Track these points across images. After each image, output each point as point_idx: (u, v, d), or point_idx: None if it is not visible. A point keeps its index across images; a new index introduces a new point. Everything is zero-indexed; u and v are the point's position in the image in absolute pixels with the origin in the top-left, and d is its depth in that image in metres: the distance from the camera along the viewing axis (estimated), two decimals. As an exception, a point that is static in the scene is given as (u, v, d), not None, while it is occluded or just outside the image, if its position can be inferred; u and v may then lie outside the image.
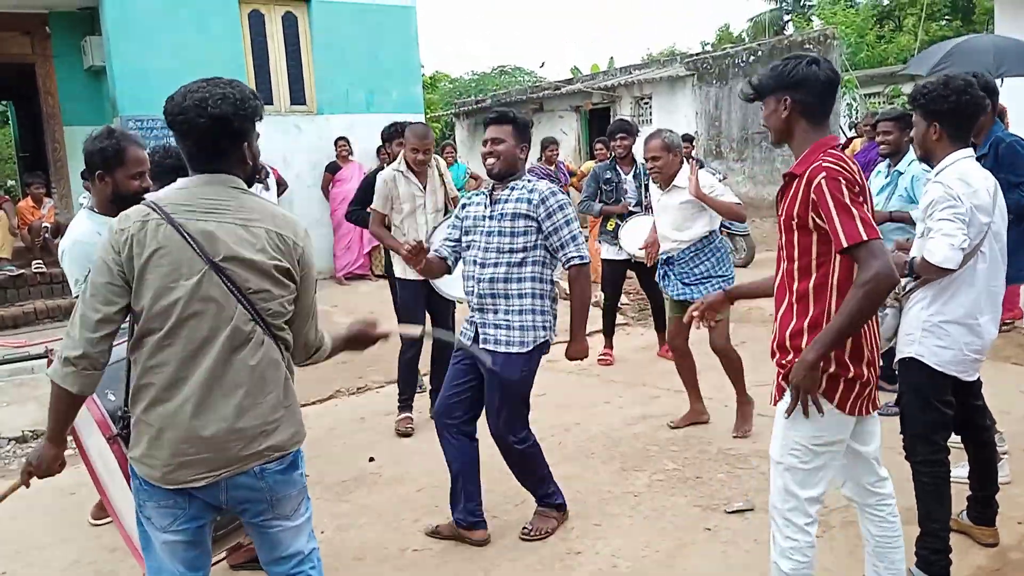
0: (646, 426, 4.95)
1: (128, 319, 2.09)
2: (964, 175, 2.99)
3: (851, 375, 2.44)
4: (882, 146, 4.87)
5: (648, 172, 4.97)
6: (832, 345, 2.36)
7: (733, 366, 4.81)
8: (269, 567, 2.32)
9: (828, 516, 3.66)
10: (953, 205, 2.91)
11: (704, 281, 4.70)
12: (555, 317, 3.60)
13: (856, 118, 16.69)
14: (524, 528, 3.70)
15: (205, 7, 9.77)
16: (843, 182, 2.31)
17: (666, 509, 3.84)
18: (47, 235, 8.80)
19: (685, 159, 4.91)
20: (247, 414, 2.09)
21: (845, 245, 2.28)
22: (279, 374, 2.17)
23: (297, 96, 10.80)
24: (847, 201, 2.29)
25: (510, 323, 3.48)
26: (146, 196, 2.23)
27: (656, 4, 66.24)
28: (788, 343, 2.51)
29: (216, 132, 2.09)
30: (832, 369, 2.43)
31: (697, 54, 19.36)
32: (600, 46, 53.41)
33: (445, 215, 5.08)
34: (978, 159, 3.56)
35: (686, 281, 4.75)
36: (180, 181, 2.15)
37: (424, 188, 5.02)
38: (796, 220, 2.41)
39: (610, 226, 6.37)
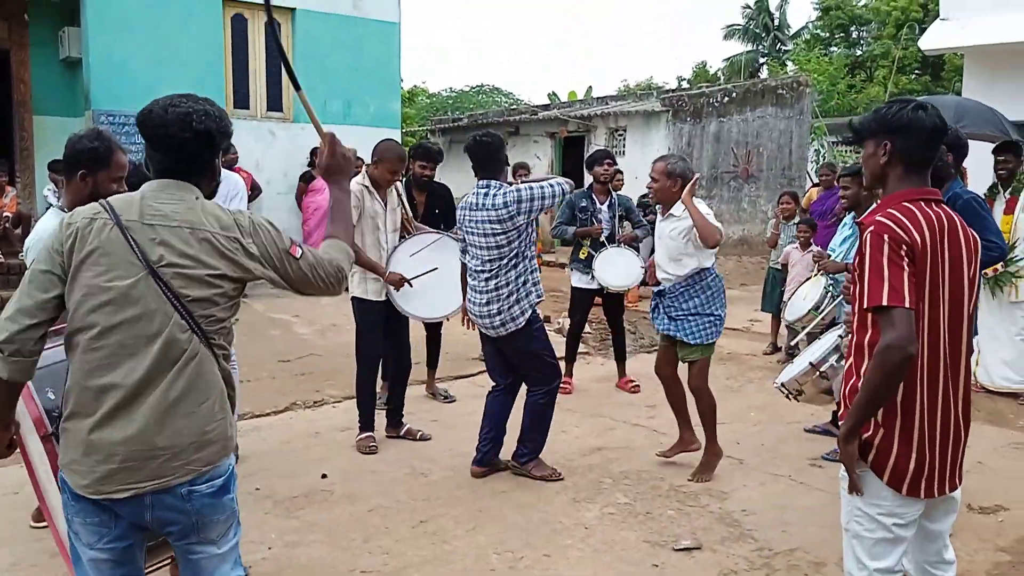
0: (600, 458, 4.98)
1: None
2: None
3: (896, 452, 2.30)
4: (842, 199, 5.01)
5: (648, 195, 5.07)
6: (860, 417, 2.27)
7: (707, 408, 4.75)
8: None
9: (772, 559, 3.71)
10: None
11: (692, 317, 4.60)
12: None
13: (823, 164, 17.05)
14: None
15: (189, 6, 9.73)
16: (886, 240, 2.20)
17: (615, 543, 3.87)
18: (8, 225, 8.63)
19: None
20: (177, 425, 2.06)
21: (865, 306, 2.21)
22: (213, 386, 2.13)
23: (274, 102, 10.77)
24: (883, 261, 2.18)
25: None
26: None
27: (636, 36, 67.16)
28: (847, 399, 2.39)
29: (196, 147, 2.14)
30: (878, 442, 2.30)
31: (673, 90, 19.70)
32: (579, 73, 54.06)
33: (402, 237, 5.09)
34: None
35: (673, 315, 4.65)
36: (142, 187, 2.17)
37: (386, 206, 5.01)
38: (856, 271, 2.31)
39: (583, 254, 6.41)
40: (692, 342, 4.57)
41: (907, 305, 2.15)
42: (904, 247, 2.20)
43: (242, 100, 10.53)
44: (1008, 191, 6.17)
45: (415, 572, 3.57)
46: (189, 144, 2.12)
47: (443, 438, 5.24)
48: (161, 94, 2.20)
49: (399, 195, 5.16)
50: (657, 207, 4.94)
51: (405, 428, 5.26)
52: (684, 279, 4.62)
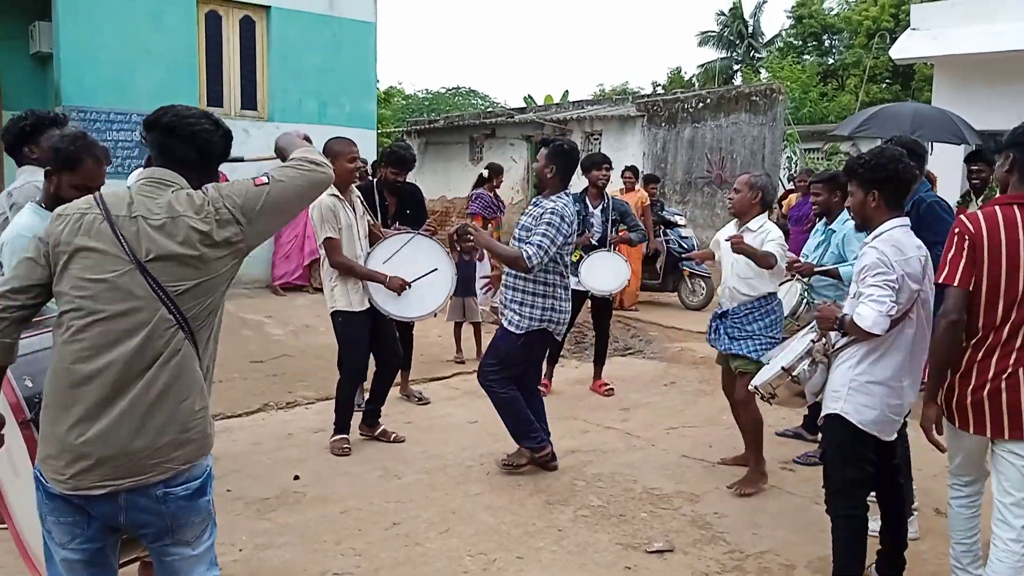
0: (575, 460, 4.99)
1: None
2: (898, 243, 3.12)
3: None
4: (814, 206, 5.11)
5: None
6: (933, 380, 3.03)
7: (751, 421, 4.63)
8: None
9: (743, 562, 3.74)
10: (884, 272, 3.03)
11: (755, 337, 4.51)
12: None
13: (794, 171, 17.25)
14: (504, 456, 4.73)
15: (162, 3, 9.64)
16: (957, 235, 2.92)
17: (588, 545, 3.87)
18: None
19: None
20: (157, 422, 2.05)
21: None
22: (194, 384, 2.12)
23: (248, 101, 10.68)
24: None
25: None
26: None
27: (612, 40, 67.47)
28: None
29: (216, 149, 2.26)
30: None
31: (648, 95, 19.81)
32: (555, 77, 54.18)
33: (372, 244, 5.04)
34: None
35: (734, 336, 4.57)
36: (132, 178, 2.17)
37: (355, 212, 4.94)
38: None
39: (574, 257, 6.36)
40: (755, 358, 4.42)
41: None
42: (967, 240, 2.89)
43: (215, 98, 10.43)
44: (980, 199, 6.27)
45: (387, 574, 3.54)
46: (219, 142, 2.25)
47: (417, 440, 5.22)
48: (133, 90, 2.23)
49: (361, 202, 5.11)
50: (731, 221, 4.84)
51: (380, 429, 5.23)
52: (752, 302, 4.53)
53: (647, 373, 7.27)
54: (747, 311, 4.54)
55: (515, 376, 4.68)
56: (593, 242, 6.33)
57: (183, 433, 2.09)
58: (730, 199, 4.78)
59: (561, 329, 4.70)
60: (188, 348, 2.09)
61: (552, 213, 4.43)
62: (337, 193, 4.79)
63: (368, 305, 4.89)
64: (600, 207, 6.40)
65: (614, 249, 6.47)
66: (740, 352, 4.52)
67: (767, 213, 4.70)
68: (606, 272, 6.28)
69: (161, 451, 2.06)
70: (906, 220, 3.25)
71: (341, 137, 4.91)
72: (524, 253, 4.39)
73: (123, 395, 2.02)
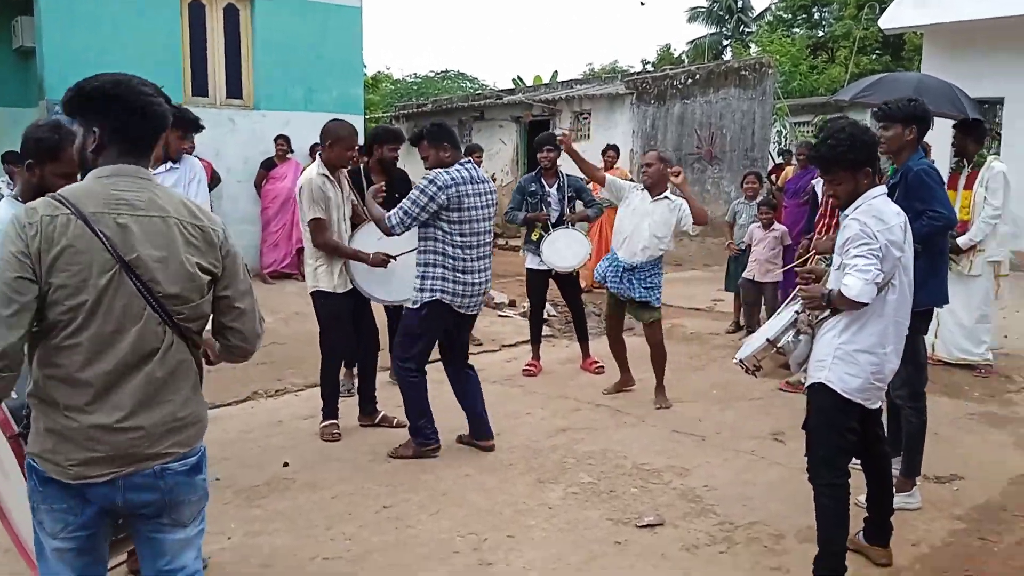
0: (565, 438, 4.99)
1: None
2: (879, 212, 3.12)
3: None
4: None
5: (642, 178, 5.58)
6: None
7: (663, 357, 5.71)
8: None
9: (733, 533, 3.75)
10: (868, 242, 3.03)
11: (657, 288, 5.55)
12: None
13: (785, 145, 17.21)
14: (394, 449, 4.71)
15: (144, -6, 9.52)
16: None
17: (579, 522, 3.88)
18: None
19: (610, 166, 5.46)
20: (155, 413, 2.06)
21: None
22: (189, 373, 2.15)
23: (234, 89, 10.58)
24: None
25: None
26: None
27: (600, 20, 67.12)
28: None
29: (155, 122, 2.11)
30: None
31: (637, 73, 19.70)
32: (544, 57, 53.89)
33: (354, 227, 5.01)
34: (891, 186, 3.72)
35: (645, 286, 5.49)
36: (90, 176, 2.09)
37: (342, 193, 4.93)
38: None
39: (535, 236, 6.45)
40: (657, 306, 5.57)
41: None
42: None
43: (200, 87, 10.34)
44: (971, 166, 6.27)
45: (378, 557, 3.55)
46: (147, 118, 2.08)
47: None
48: (118, 83, 2.12)
49: (349, 183, 5.09)
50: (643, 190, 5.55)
51: (380, 415, 5.23)
52: (658, 259, 5.51)
53: (637, 350, 7.21)
54: (653, 265, 5.51)
55: (424, 352, 4.67)
56: (552, 220, 6.42)
57: (182, 420, 2.11)
58: (644, 173, 5.50)
59: (466, 303, 4.60)
60: (179, 344, 2.09)
61: (427, 181, 4.43)
62: (327, 173, 4.79)
63: (350, 287, 4.88)
64: (555, 185, 6.50)
65: (573, 226, 6.54)
66: (651, 302, 5.51)
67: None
68: (567, 249, 6.37)
69: (162, 439, 2.07)
70: (884, 188, 3.25)
71: (345, 122, 4.91)
72: (387, 215, 4.49)
73: (122, 389, 2.02)
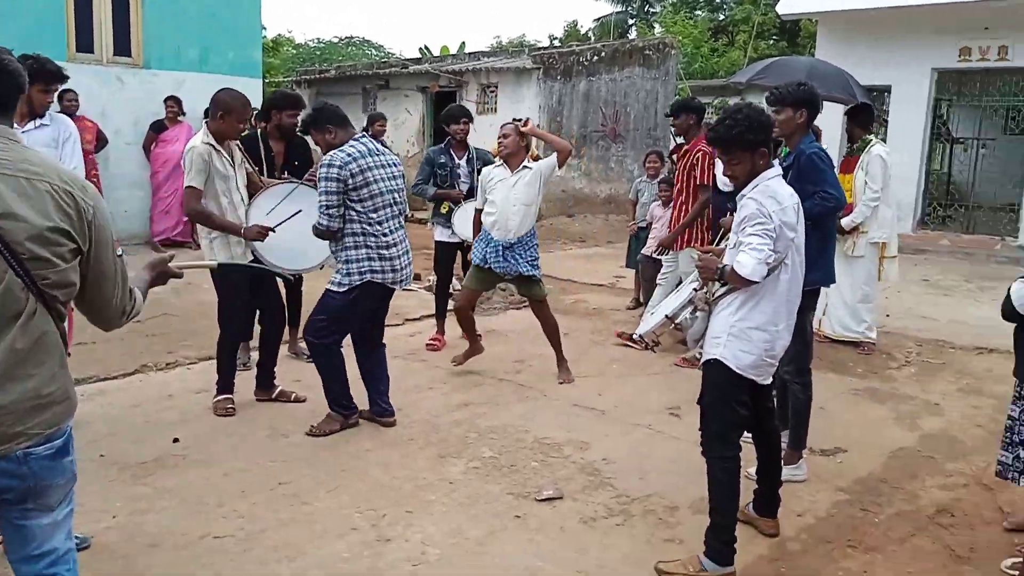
0: (468, 413, 4.98)
1: None
2: (775, 193, 3.21)
3: None
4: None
5: (499, 150, 5.50)
6: None
7: (555, 328, 5.72)
8: (18, 565, 2.10)
9: (629, 505, 3.83)
10: (763, 222, 3.11)
11: (536, 261, 5.54)
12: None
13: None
14: (311, 426, 4.56)
15: (22, -61, 8.86)
16: None
17: (479, 497, 3.89)
18: None
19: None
20: (17, 388, 1.92)
21: None
22: (54, 347, 2.01)
23: (122, 47, 10.04)
24: None
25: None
26: None
27: (510, -7, 66.71)
28: None
29: (8, 79, 1.98)
30: None
31: (544, 48, 19.70)
32: (451, 28, 53.18)
33: (252, 195, 4.83)
34: (784, 169, 3.83)
35: (528, 260, 5.49)
36: None
37: (234, 162, 4.72)
38: None
39: (443, 209, 6.41)
40: (539, 278, 5.59)
41: None
42: None
43: (86, 44, 9.75)
44: (855, 150, 6.52)
45: (272, 535, 3.46)
46: (18, 70, 2.00)
47: (307, 398, 5.09)
48: (-5, 35, 1.99)
49: (240, 150, 4.88)
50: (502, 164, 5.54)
51: (278, 390, 5.08)
52: (530, 231, 5.49)
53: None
54: (531, 237, 5.53)
55: (348, 332, 4.65)
56: (464, 193, 6.40)
57: (47, 397, 1.97)
58: (500, 144, 5.47)
59: (397, 277, 4.57)
60: (43, 313, 1.96)
61: (324, 166, 4.35)
62: (212, 142, 4.57)
63: (250, 258, 4.71)
64: (465, 158, 6.46)
65: None
66: (535, 275, 5.53)
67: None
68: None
69: (26, 417, 1.93)
70: (779, 169, 3.34)
71: (237, 93, 4.67)
72: (312, 225, 4.45)
73: None
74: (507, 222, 5.41)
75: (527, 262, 5.48)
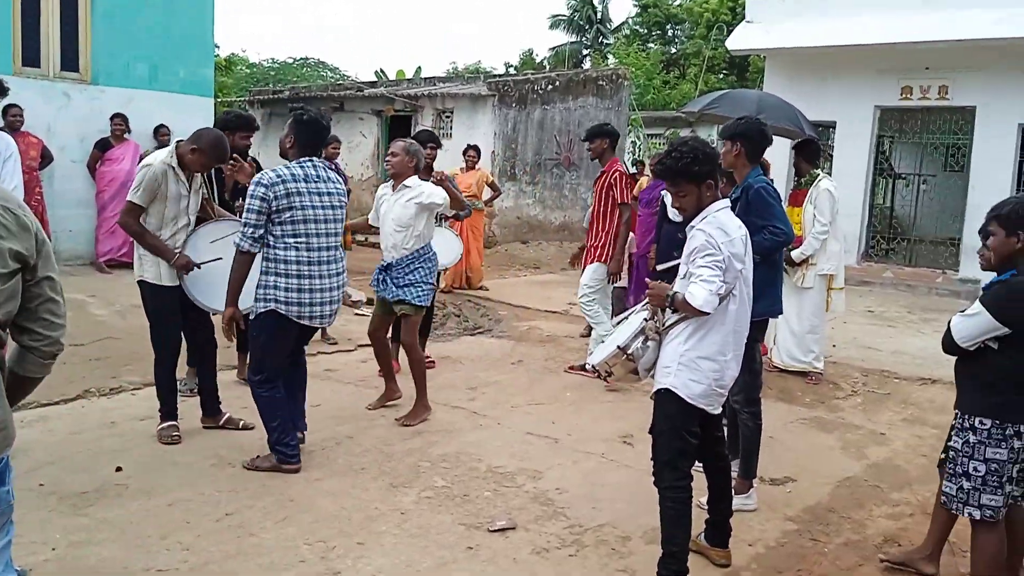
0: (421, 441, 4.93)
1: None
2: (723, 225, 3.27)
3: None
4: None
5: (386, 168, 5.41)
6: None
7: (417, 362, 5.35)
8: None
9: (582, 535, 3.82)
10: (713, 253, 3.16)
11: (417, 285, 5.23)
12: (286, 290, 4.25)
13: (639, 155, 17.85)
14: (250, 459, 4.40)
15: (-33, -51, 8.68)
16: None
17: (431, 527, 3.84)
18: None
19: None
20: None
21: None
22: None
23: (69, 61, 9.84)
24: None
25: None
26: None
27: (466, 19, 67.26)
28: None
29: None
30: None
31: (500, 75, 19.86)
32: (407, 53, 53.29)
33: (200, 220, 4.73)
34: (733, 201, 3.90)
35: (399, 284, 5.21)
36: None
37: (190, 187, 4.63)
38: None
39: None
40: (418, 304, 5.23)
41: None
42: None
43: (32, 58, 9.54)
44: (803, 183, 6.68)
45: (216, 568, 3.36)
46: None
47: (254, 426, 4.98)
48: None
49: (203, 177, 4.80)
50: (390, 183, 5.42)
51: (225, 417, 4.96)
52: (412, 254, 5.22)
53: (495, 352, 7.30)
54: (411, 261, 5.22)
55: (277, 366, 4.39)
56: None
57: None
58: (387, 163, 5.36)
59: (306, 312, 4.30)
60: None
61: (254, 183, 4.21)
62: (174, 163, 4.49)
63: (178, 282, 4.60)
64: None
65: (443, 224, 6.60)
66: (405, 299, 5.19)
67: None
68: (438, 247, 6.28)
69: None
70: (727, 202, 3.41)
71: (222, 139, 4.62)
72: (235, 244, 4.27)
73: None
74: (384, 240, 5.32)
75: (396, 286, 5.19)
